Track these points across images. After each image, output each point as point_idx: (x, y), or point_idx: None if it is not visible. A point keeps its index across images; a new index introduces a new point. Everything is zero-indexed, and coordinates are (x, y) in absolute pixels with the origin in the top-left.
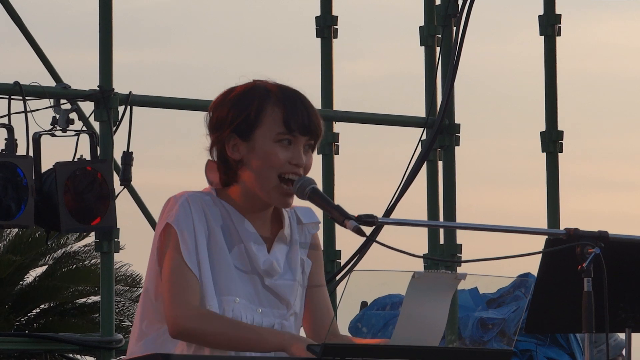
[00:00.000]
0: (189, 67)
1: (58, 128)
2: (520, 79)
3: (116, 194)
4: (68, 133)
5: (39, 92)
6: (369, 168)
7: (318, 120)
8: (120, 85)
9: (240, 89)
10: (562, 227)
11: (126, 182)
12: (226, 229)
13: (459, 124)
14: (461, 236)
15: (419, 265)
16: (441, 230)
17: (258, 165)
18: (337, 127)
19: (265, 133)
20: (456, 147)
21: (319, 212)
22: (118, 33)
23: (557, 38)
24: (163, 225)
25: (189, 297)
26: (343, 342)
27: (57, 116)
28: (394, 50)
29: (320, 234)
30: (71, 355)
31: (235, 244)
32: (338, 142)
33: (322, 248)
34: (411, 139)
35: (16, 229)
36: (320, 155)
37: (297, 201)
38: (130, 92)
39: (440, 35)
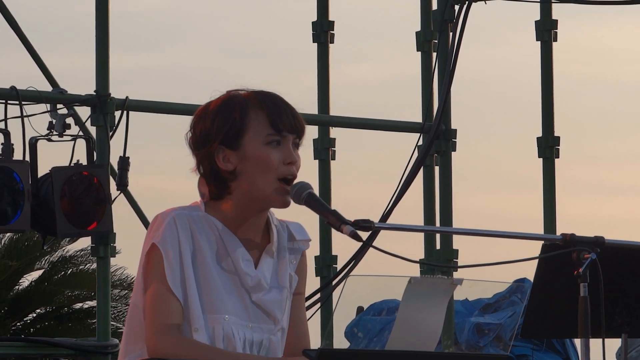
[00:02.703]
0: (186, 72)
1: (54, 133)
2: (517, 84)
3: (112, 198)
4: (64, 138)
5: (35, 96)
6: (365, 173)
7: (301, 119)
8: (117, 90)
9: (217, 101)
10: (558, 233)
11: (122, 187)
12: (214, 245)
13: (456, 130)
14: (457, 241)
15: (415, 271)
16: (437, 236)
17: (253, 172)
18: (334, 132)
19: (254, 138)
20: (453, 153)
21: (314, 220)
22: (114, 38)
23: (554, 43)
24: (149, 244)
25: (169, 324)
26: (340, 348)
27: (54, 121)
28: (390, 56)
29: (316, 238)
30: None
31: (225, 263)
32: (334, 147)
33: (319, 253)
34: (408, 144)
35: (12, 234)
36: (317, 161)
37: (292, 208)
38: (126, 97)
39: (436, 41)
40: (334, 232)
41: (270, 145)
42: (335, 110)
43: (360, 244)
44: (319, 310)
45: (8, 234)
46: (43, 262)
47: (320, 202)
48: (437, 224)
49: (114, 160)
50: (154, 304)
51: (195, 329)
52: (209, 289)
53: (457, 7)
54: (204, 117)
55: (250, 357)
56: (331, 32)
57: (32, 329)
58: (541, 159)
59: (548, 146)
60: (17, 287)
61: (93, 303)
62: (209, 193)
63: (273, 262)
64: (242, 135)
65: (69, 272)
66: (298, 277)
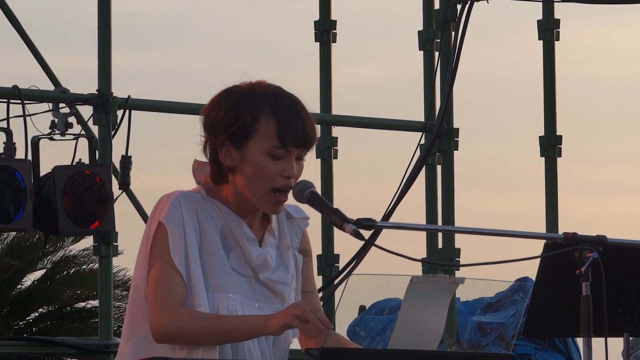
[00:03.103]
0: (188, 71)
1: (57, 132)
2: (519, 84)
3: (115, 197)
4: (67, 137)
5: (37, 96)
6: (367, 172)
7: (313, 131)
8: (119, 89)
9: (237, 92)
10: (560, 232)
11: (125, 186)
12: (219, 226)
13: (458, 129)
14: (460, 240)
15: (417, 269)
16: (440, 234)
17: (250, 175)
18: (336, 131)
19: (258, 144)
20: (455, 152)
21: (316, 219)
22: (117, 37)
23: (556, 42)
24: (156, 223)
25: (172, 301)
26: (341, 347)
27: (56, 120)
28: (392, 55)
29: (318, 237)
30: (69, 359)
31: (230, 243)
32: (337, 146)
33: (321, 252)
34: (410, 143)
35: (14, 233)
36: (319, 159)
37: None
38: (129, 96)
39: (439, 40)
40: (336, 230)
41: (272, 156)
42: (337, 109)
43: (363, 242)
44: None
45: (10, 233)
46: (45, 262)
47: (322, 201)
48: (439, 222)
49: (116, 159)
50: (158, 281)
51: (199, 306)
52: (213, 269)
53: (459, 7)
54: (219, 105)
55: (248, 317)
56: (333, 31)
57: (34, 328)
58: (543, 158)
59: (550, 145)
60: (19, 286)
61: (95, 303)
62: (210, 175)
63: (276, 242)
64: (248, 138)
65: (71, 271)
66: (303, 256)
